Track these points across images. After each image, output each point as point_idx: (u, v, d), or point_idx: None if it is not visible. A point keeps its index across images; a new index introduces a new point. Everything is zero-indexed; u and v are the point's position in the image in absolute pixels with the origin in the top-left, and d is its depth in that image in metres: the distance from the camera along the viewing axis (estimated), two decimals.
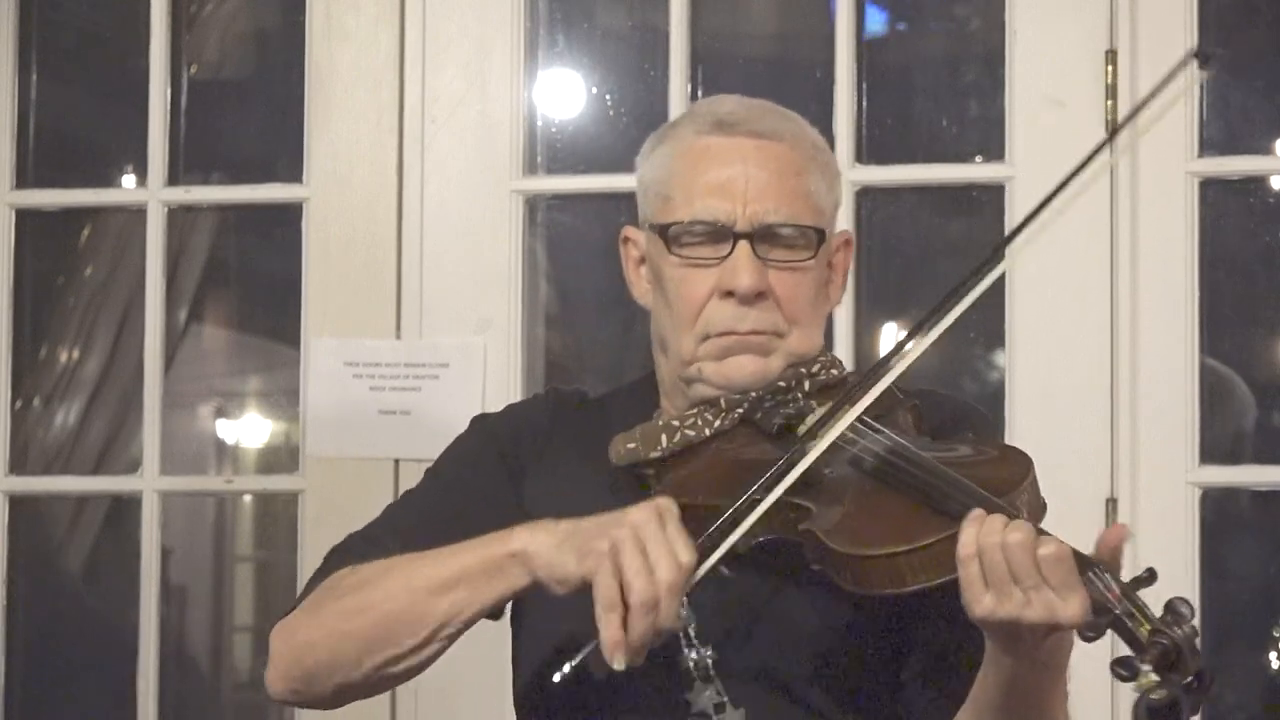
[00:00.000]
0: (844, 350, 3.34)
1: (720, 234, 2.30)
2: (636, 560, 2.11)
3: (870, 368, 2.27)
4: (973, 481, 2.12)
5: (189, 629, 3.98)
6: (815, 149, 2.40)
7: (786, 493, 2.20)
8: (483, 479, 2.50)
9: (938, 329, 2.21)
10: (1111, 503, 3.21)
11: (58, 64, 4.01)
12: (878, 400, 2.22)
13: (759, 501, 2.21)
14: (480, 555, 2.24)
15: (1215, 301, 3.33)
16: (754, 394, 2.32)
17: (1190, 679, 1.92)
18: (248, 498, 4.74)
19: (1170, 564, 3.17)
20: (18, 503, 3.69)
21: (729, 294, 2.30)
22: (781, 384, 2.31)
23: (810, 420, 2.27)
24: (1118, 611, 1.97)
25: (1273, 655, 3.69)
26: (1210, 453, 3.27)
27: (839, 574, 2.15)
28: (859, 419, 2.22)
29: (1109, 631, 1.98)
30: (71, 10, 4.39)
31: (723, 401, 2.34)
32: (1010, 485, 2.11)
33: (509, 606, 2.47)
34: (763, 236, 2.29)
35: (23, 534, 3.76)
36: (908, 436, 2.26)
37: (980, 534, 2.00)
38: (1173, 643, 1.92)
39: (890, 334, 4.00)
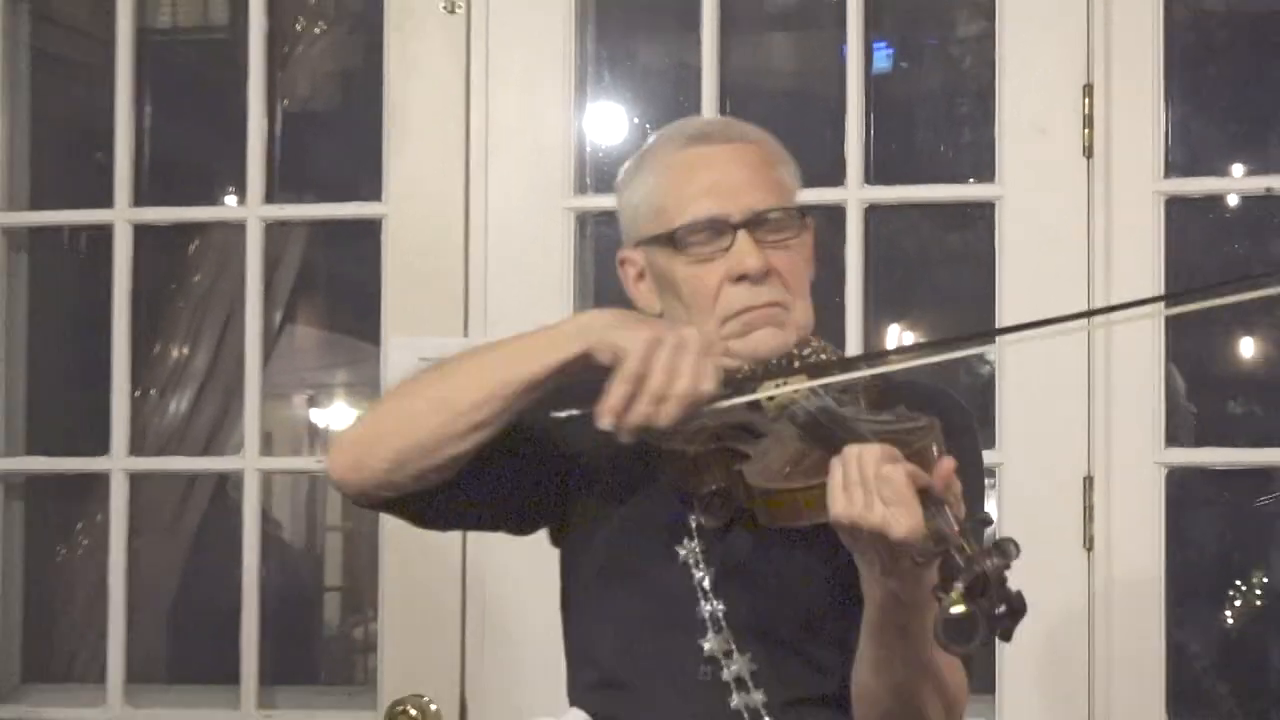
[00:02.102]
0: (854, 344, 3.37)
1: (720, 228, 2.35)
2: (667, 359, 2.20)
3: (845, 369, 2.39)
4: (869, 431, 2.22)
5: (285, 589, 3.99)
6: (775, 146, 2.48)
7: (731, 438, 2.30)
8: (536, 431, 2.47)
9: (909, 364, 2.39)
10: (1088, 480, 3.23)
11: (170, 98, 4.06)
12: (840, 380, 2.35)
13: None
14: (545, 331, 2.32)
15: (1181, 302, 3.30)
16: (751, 369, 2.38)
17: (998, 607, 2.01)
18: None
19: (1139, 533, 3.23)
20: (137, 480, 3.72)
21: (740, 278, 2.35)
22: (774, 363, 2.39)
23: (772, 385, 2.35)
24: (945, 532, 2.08)
25: (1227, 612, 3.75)
26: (1173, 437, 3.30)
27: (755, 509, 2.26)
28: (812, 389, 2.29)
29: (939, 558, 2.07)
30: (182, 51, 4.49)
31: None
32: (909, 445, 2.21)
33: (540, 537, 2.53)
34: (757, 224, 2.35)
35: (142, 508, 3.79)
36: (851, 408, 2.33)
37: (848, 450, 2.12)
38: (983, 571, 2.01)
39: (894, 332, 4.02)
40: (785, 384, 2.32)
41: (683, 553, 2.38)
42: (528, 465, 2.43)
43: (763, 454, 2.28)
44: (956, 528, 2.06)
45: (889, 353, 2.55)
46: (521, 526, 2.50)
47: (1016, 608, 1.99)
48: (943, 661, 2.24)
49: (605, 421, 2.19)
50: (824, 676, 2.36)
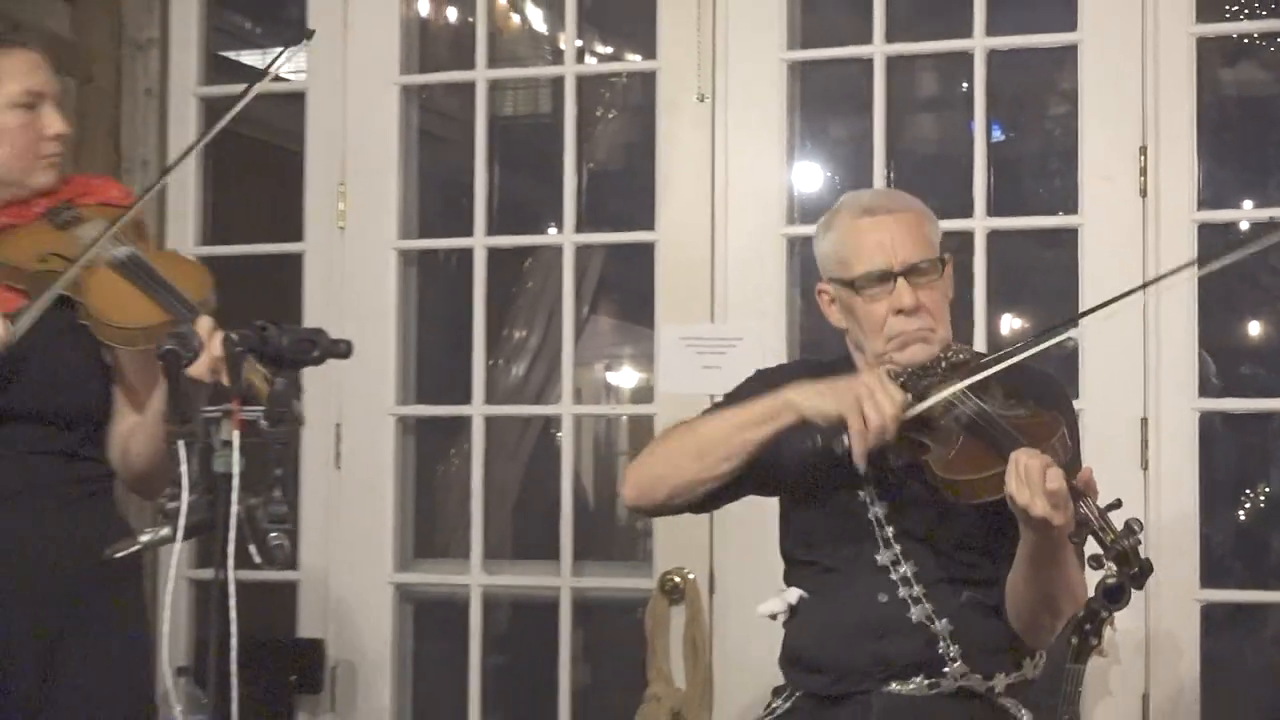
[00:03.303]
0: (979, 335, 3.54)
1: (886, 277, 2.60)
2: (871, 402, 2.45)
3: (977, 364, 2.55)
4: (1021, 434, 2.42)
5: (589, 494, 4.06)
6: (924, 212, 2.70)
7: (913, 431, 2.49)
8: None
9: (1019, 356, 2.54)
10: (1144, 420, 3.46)
11: (511, 162, 4.48)
12: (981, 380, 2.51)
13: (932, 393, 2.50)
14: (766, 404, 2.58)
15: (1208, 298, 3.52)
16: (912, 369, 2.58)
17: (1134, 570, 2.32)
18: (624, 418, 5.26)
19: (1180, 458, 3.45)
20: (490, 421, 4.03)
21: (899, 311, 2.60)
22: (928, 363, 2.59)
23: (938, 389, 2.53)
24: (1094, 527, 2.35)
25: (1240, 513, 4.02)
26: (1203, 390, 3.52)
27: (939, 489, 2.50)
28: (965, 390, 2.50)
29: (1088, 538, 2.37)
30: (519, 130, 4.99)
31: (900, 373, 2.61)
32: (1045, 438, 2.43)
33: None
34: (910, 271, 2.60)
35: (493, 440, 4.11)
36: (993, 403, 2.51)
37: (1018, 455, 2.37)
38: (1124, 549, 2.31)
39: (1007, 324, 4.16)
40: (947, 388, 2.50)
41: (862, 494, 2.66)
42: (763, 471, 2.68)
43: (941, 447, 2.49)
44: (1097, 514, 2.34)
45: (1009, 350, 2.58)
46: (762, 494, 2.79)
47: (1147, 570, 2.31)
48: (1072, 573, 2.50)
49: (859, 455, 2.47)
50: (970, 570, 2.63)
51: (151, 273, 2.57)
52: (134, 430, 2.61)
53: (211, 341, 2.33)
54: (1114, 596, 2.33)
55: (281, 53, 2.82)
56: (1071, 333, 3.25)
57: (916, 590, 2.60)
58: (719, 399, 2.91)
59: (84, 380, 2.62)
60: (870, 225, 2.64)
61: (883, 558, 2.63)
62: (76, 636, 2.56)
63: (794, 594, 2.74)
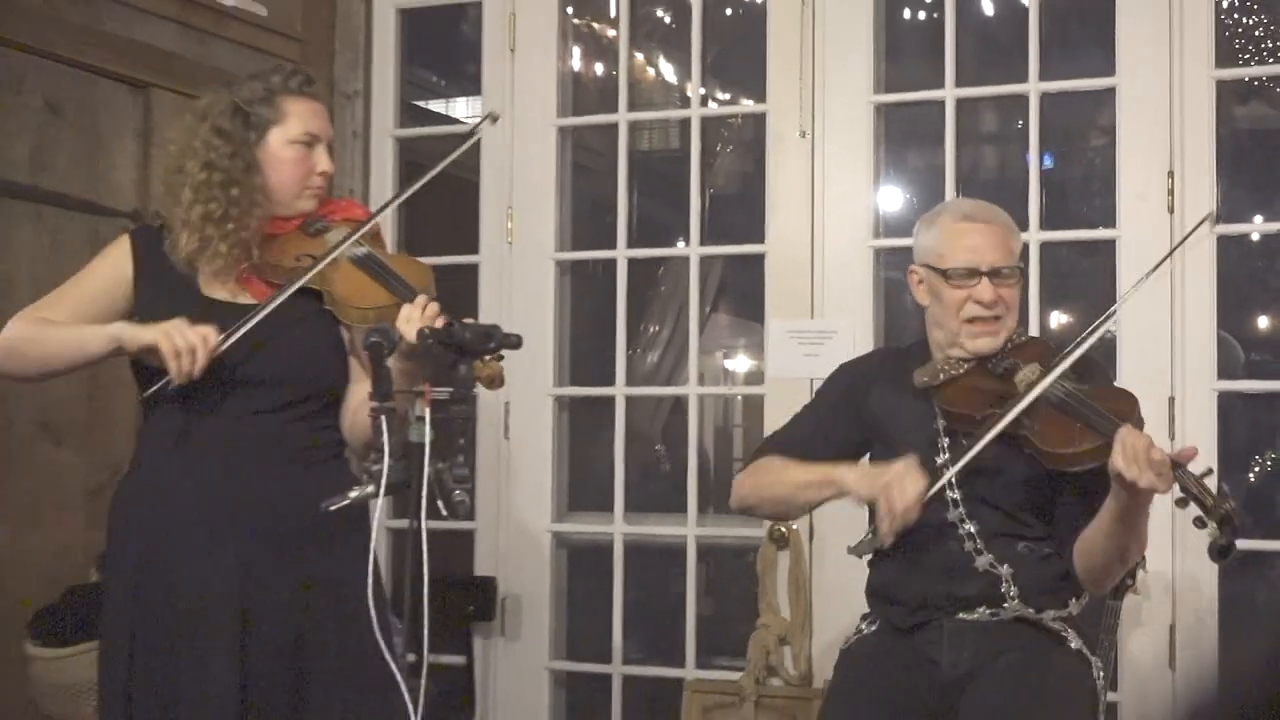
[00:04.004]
0: (1033, 327, 3.56)
1: (973, 274, 2.67)
2: (895, 492, 2.54)
3: (1061, 355, 2.60)
4: (1106, 410, 2.44)
5: (711, 457, 4.07)
6: (1011, 225, 2.76)
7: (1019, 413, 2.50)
8: (843, 396, 2.87)
9: (1088, 342, 2.65)
10: (1172, 399, 3.51)
11: (648, 188, 4.50)
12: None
13: (989, 429, 2.49)
14: (822, 475, 2.70)
15: (1225, 295, 3.58)
16: (980, 359, 2.64)
17: (1236, 526, 2.34)
18: (739, 397, 5.36)
19: (1201, 431, 3.46)
20: (630, 400, 4.12)
21: (977, 302, 2.68)
22: (998, 349, 2.67)
23: (1023, 374, 2.59)
24: (1194, 492, 2.36)
25: (1251, 476, 4.06)
26: (1222, 374, 3.56)
27: (1040, 459, 2.53)
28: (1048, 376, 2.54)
29: (1190, 504, 2.37)
30: (654, 163, 5.02)
31: (967, 358, 2.68)
32: (1128, 412, 2.47)
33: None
34: (994, 274, 2.67)
35: (632, 415, 4.18)
36: (1070, 383, 2.55)
37: (1124, 434, 2.39)
38: (1227, 510, 2.33)
39: (1055, 319, 4.13)
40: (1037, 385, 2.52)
41: (940, 460, 2.68)
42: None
43: (1038, 425, 2.50)
44: (1195, 482, 2.35)
45: (1077, 341, 2.60)
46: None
47: (1240, 526, 2.33)
48: (1144, 529, 2.50)
49: (888, 539, 2.54)
50: (1025, 528, 2.65)
51: (382, 265, 2.61)
52: (362, 403, 2.53)
53: (427, 310, 2.43)
54: (1225, 553, 2.33)
55: (477, 126, 3.00)
56: (1109, 326, 3.21)
57: (980, 544, 2.64)
58: (811, 395, 3.02)
59: (326, 356, 2.64)
60: (967, 229, 2.70)
61: (952, 515, 2.66)
62: (324, 573, 2.57)
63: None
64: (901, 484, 2.48)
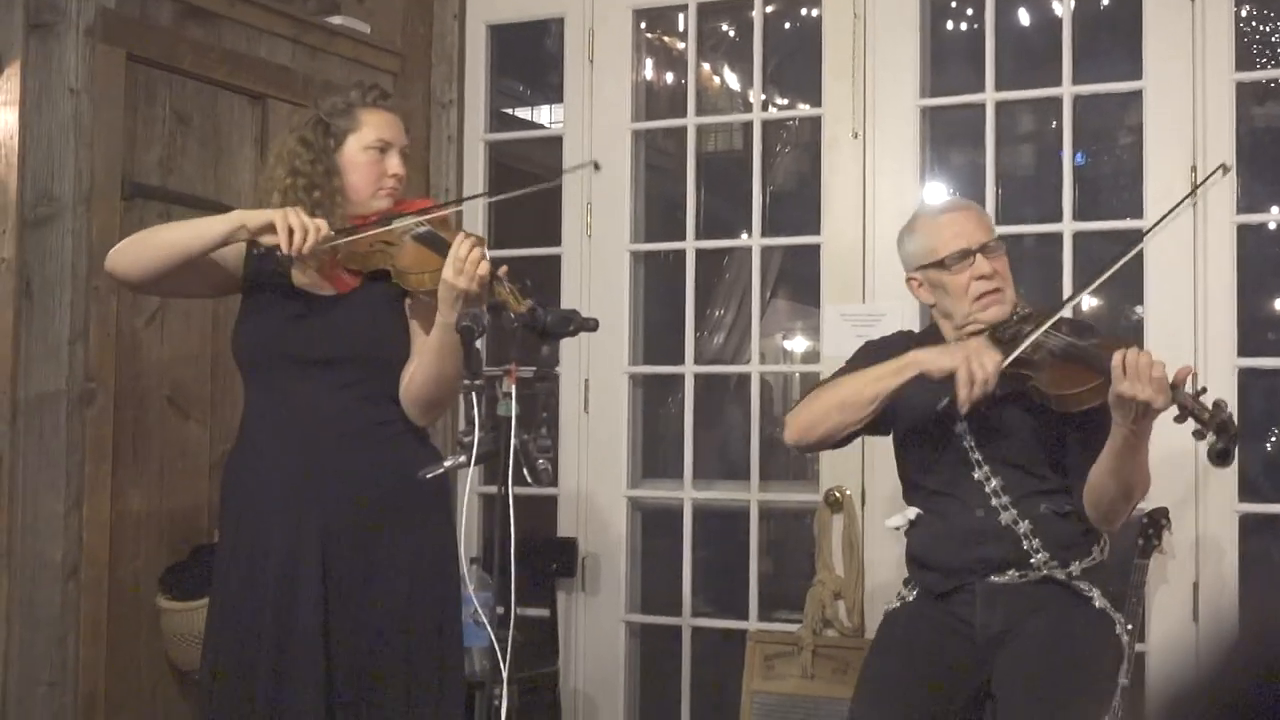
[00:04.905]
0: (1066, 311, 2.98)
1: (966, 254, 2.69)
2: (976, 360, 2.53)
3: (1048, 311, 2.65)
4: (1105, 351, 2.43)
5: (770, 428, 3.91)
6: (980, 207, 2.80)
7: (1018, 367, 2.51)
8: (869, 365, 2.80)
9: (1083, 294, 2.75)
10: (1195, 375, 2.84)
11: (714, 186, 4.43)
12: (1055, 323, 2.57)
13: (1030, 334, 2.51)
14: (895, 363, 2.67)
15: (1245, 280, 3.55)
16: (997, 325, 2.65)
17: (1233, 433, 2.35)
18: (797, 374, 5.30)
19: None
20: (698, 378, 4.05)
21: (979, 277, 2.69)
22: (1006, 319, 2.68)
23: (1025, 333, 2.57)
24: (1191, 407, 2.36)
25: (1267, 445, 4.09)
26: (1242, 351, 3.52)
27: (1049, 403, 2.53)
28: (1048, 331, 2.56)
29: (1188, 419, 2.36)
30: (719, 162, 4.97)
31: (979, 330, 2.66)
32: (1125, 347, 2.39)
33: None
34: (984, 249, 2.69)
35: (700, 392, 4.09)
36: (1072, 336, 2.58)
37: (1123, 353, 2.37)
38: (1222, 419, 2.33)
39: (1086, 303, 3.99)
40: (1036, 333, 2.54)
41: (958, 428, 2.71)
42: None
43: (1043, 374, 2.52)
44: (1192, 399, 2.35)
45: (1071, 296, 2.61)
46: (878, 435, 2.88)
47: (1236, 432, 2.33)
48: (1145, 465, 2.49)
49: (965, 405, 2.52)
50: (1043, 482, 2.67)
51: (440, 238, 2.63)
52: (416, 368, 2.64)
53: (470, 255, 2.45)
54: (1225, 457, 2.32)
55: (576, 168, 3.15)
56: (1137, 309, 3.56)
57: (1005, 499, 2.63)
58: (843, 365, 2.95)
59: (395, 333, 2.66)
60: (948, 219, 2.73)
61: (978, 475, 2.67)
62: (396, 537, 2.60)
63: (913, 512, 2.79)
64: (980, 356, 2.48)
